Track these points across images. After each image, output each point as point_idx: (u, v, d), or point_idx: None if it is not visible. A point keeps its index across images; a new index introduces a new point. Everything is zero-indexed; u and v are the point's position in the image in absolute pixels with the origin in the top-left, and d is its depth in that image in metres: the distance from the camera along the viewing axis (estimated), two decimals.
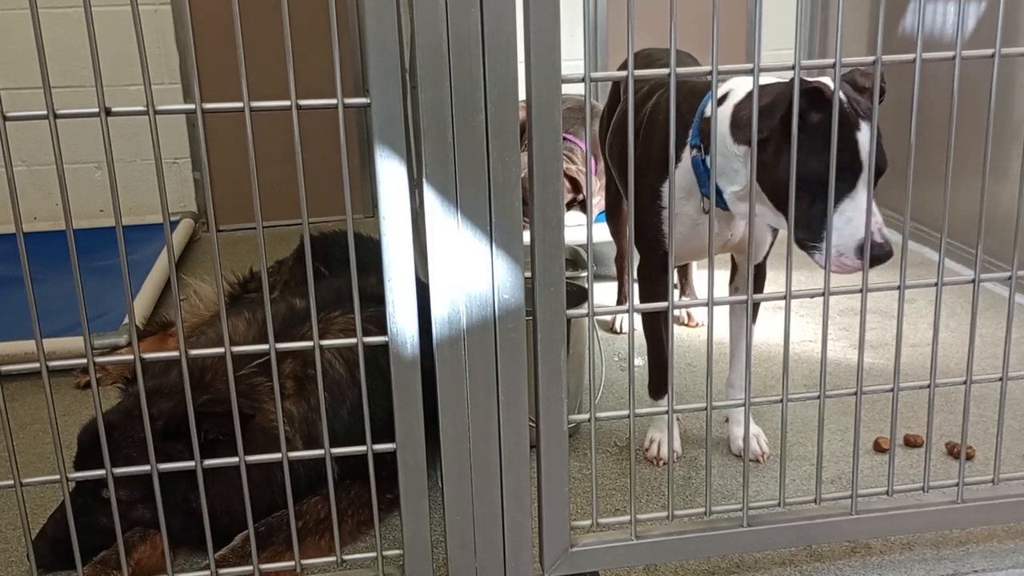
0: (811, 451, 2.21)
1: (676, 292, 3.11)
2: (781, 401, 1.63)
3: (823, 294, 1.57)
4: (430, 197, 1.39)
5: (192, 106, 1.31)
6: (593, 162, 3.38)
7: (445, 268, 1.43)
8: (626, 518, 1.64)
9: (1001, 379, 1.70)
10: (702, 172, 1.89)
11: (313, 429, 1.89)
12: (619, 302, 3.16)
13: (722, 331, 2.29)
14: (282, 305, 2.11)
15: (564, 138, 1.92)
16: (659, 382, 2.23)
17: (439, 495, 1.55)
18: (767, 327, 2.71)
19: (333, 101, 1.31)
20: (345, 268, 1.49)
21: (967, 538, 1.85)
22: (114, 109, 1.27)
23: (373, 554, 1.58)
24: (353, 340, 1.44)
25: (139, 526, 1.80)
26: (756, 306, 2.27)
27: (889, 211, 2.19)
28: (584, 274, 2.79)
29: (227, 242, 4.06)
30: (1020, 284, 1.64)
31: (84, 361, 1.38)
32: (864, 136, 1.65)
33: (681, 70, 1.40)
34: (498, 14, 1.31)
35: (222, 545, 1.76)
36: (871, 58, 1.46)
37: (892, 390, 1.66)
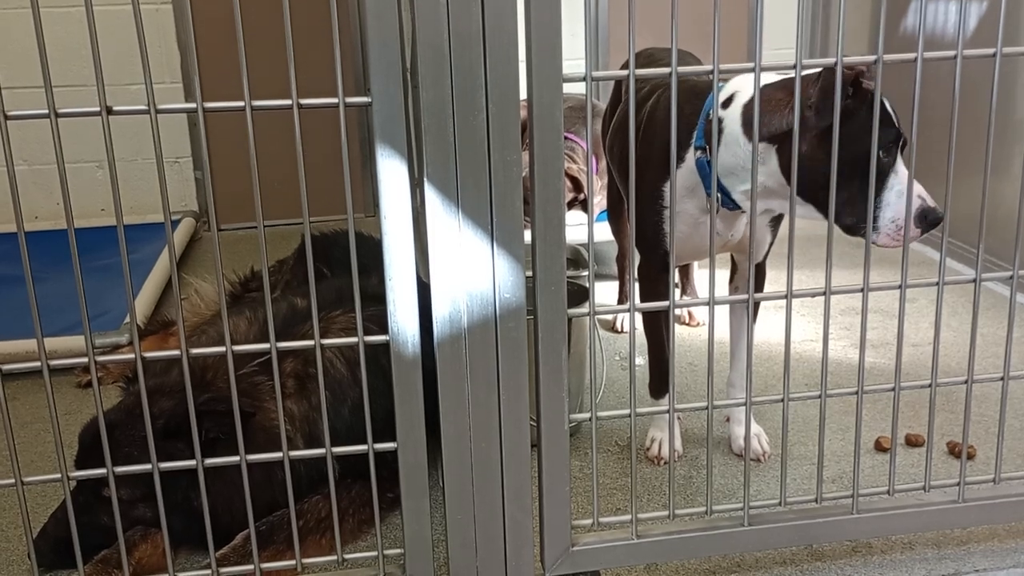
0: (812, 450, 2.20)
1: (677, 291, 3.12)
2: (782, 400, 1.63)
3: (824, 293, 1.57)
4: (431, 196, 1.39)
5: (193, 105, 1.31)
6: (595, 161, 3.38)
7: (446, 267, 1.42)
8: (627, 517, 1.64)
9: (1002, 378, 1.70)
10: (708, 174, 1.89)
11: (314, 428, 1.89)
12: (620, 301, 3.16)
13: (723, 330, 2.29)
14: (283, 304, 2.11)
15: (565, 137, 1.92)
16: (660, 381, 2.23)
17: (440, 494, 1.55)
18: (768, 326, 2.70)
19: (334, 100, 1.31)
20: (346, 268, 1.49)
21: (968, 537, 1.85)
22: (115, 108, 1.27)
23: (374, 553, 1.58)
24: (354, 339, 1.44)
25: (140, 525, 1.80)
26: (756, 305, 2.27)
27: None
28: (585, 273, 2.79)
29: (228, 241, 4.06)
30: (1021, 283, 1.63)
31: (85, 360, 1.38)
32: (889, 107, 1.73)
33: (682, 69, 1.40)
34: (499, 13, 1.31)
35: (223, 544, 1.76)
36: (872, 57, 1.46)
37: (893, 389, 1.66)
